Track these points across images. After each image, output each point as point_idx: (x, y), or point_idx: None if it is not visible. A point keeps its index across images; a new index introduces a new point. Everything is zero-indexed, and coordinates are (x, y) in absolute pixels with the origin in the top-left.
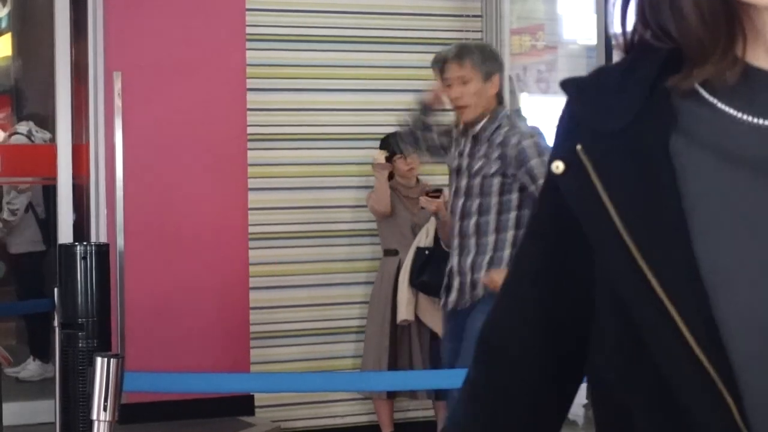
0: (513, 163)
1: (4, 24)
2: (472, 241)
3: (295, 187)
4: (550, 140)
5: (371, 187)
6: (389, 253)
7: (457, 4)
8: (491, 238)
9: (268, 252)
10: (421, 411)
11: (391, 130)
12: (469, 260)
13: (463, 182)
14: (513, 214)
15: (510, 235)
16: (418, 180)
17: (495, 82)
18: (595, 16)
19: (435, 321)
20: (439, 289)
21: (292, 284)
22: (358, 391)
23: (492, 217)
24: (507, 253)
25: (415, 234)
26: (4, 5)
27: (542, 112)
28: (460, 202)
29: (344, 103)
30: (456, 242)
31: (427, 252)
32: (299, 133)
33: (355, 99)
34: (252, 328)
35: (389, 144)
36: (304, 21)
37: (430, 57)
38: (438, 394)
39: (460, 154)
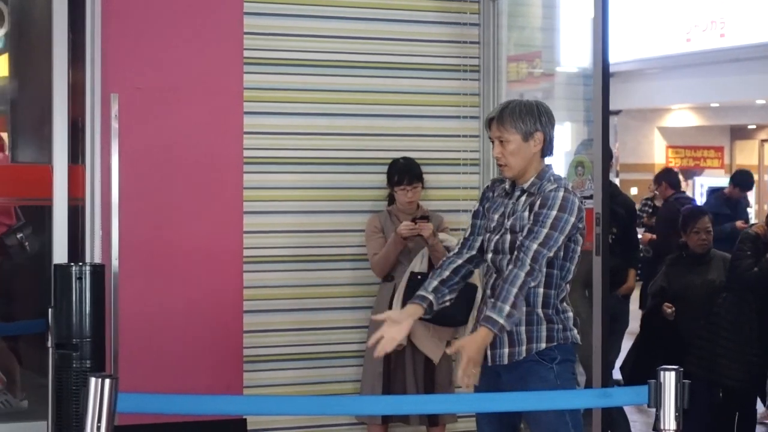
0: (536, 204)
1: (1, 44)
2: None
3: (290, 211)
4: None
5: (365, 211)
6: (386, 278)
7: (454, 30)
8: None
9: (262, 275)
10: None
11: (387, 155)
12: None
13: (495, 238)
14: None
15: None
16: (418, 206)
17: (537, 140)
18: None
19: (428, 346)
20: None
21: (286, 308)
22: (353, 416)
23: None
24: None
25: (410, 260)
26: (1, 26)
27: None
28: (490, 257)
29: (340, 128)
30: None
31: (419, 277)
32: (295, 156)
33: (351, 124)
34: (245, 352)
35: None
36: (301, 45)
37: (427, 83)
38: (431, 420)
39: (503, 212)
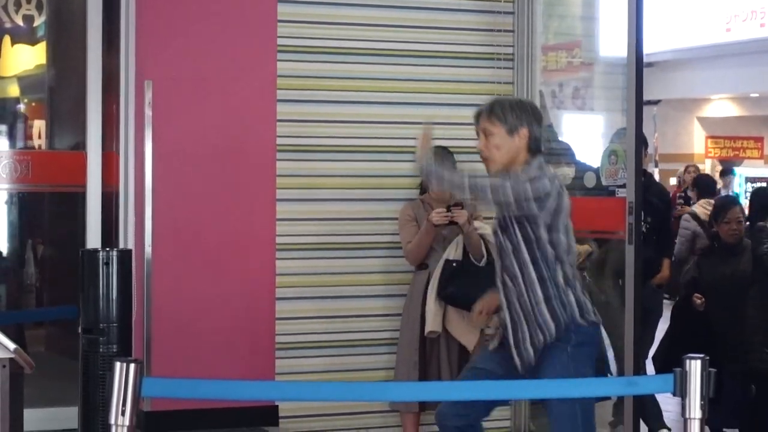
0: None
1: (41, 32)
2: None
3: (323, 199)
4: (580, 156)
5: (398, 199)
6: (420, 266)
7: (488, 18)
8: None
9: (295, 263)
10: None
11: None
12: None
13: (498, 241)
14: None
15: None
16: (451, 194)
17: (522, 135)
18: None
19: (463, 334)
20: (466, 301)
21: (318, 295)
22: (388, 403)
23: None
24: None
25: (445, 248)
26: (40, 14)
27: (577, 128)
28: (499, 263)
29: (373, 116)
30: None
31: (454, 264)
32: (328, 144)
33: (384, 112)
34: (277, 339)
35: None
36: (334, 33)
37: (460, 71)
38: None
39: None
